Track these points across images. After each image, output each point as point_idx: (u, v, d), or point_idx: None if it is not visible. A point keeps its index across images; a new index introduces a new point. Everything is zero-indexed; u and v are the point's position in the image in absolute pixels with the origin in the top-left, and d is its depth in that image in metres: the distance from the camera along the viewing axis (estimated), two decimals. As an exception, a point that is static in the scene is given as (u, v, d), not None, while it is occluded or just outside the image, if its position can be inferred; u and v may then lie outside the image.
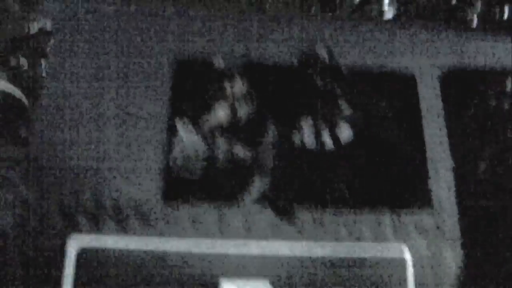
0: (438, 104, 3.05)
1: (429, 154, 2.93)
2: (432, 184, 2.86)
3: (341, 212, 2.80)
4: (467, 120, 3.60)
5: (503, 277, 3.06)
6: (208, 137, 3.04)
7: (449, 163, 2.90)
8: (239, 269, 2.69)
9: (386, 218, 2.78)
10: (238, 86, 3.09)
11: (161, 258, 2.65)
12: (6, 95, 3.54)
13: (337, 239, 2.74)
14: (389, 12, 8.57)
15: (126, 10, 3.00)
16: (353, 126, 2.95)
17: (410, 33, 3.17)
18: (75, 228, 2.65)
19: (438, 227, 2.77)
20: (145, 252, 2.66)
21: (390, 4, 8.59)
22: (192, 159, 2.97)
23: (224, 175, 3.02)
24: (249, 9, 6.51)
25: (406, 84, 3.15)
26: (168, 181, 2.83)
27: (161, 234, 2.70)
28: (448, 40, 3.19)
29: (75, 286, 2.58)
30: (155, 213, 2.72)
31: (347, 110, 2.93)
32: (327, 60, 2.93)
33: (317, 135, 2.96)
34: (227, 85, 3.06)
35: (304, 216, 2.78)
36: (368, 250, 2.74)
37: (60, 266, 2.58)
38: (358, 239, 2.74)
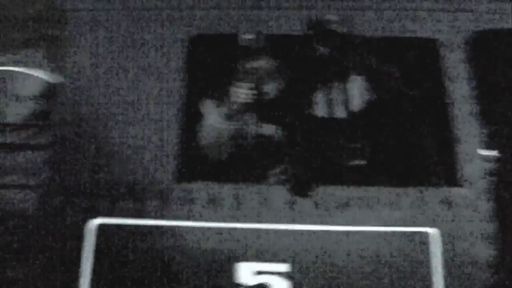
0: (464, 70, 2.83)
1: (455, 126, 2.73)
2: (460, 158, 2.66)
3: (364, 190, 2.62)
4: (496, 86, 3.36)
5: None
6: (234, 117, 2.89)
7: (477, 134, 2.70)
8: (256, 251, 2.56)
9: (412, 195, 2.60)
10: (264, 63, 2.91)
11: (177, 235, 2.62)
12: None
13: (359, 219, 2.58)
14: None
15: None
16: (370, 97, 2.75)
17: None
18: (95, 208, 2.67)
19: (467, 205, 2.59)
20: (160, 228, 2.63)
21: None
22: (219, 141, 2.86)
23: (252, 155, 2.89)
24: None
25: (429, 50, 2.94)
26: (184, 161, 2.78)
27: (176, 214, 2.65)
28: (474, 0, 2.96)
29: (94, 262, 2.60)
30: (171, 193, 2.68)
31: (361, 81, 2.72)
32: (337, 29, 2.74)
33: (332, 107, 2.77)
34: (253, 62, 2.88)
35: (325, 195, 2.62)
36: (391, 230, 2.57)
37: (79, 243, 2.62)
38: (383, 219, 2.57)
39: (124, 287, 2.58)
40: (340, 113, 2.76)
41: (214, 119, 2.87)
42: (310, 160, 2.74)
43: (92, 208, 2.68)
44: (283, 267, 2.54)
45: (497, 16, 2.96)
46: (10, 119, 4.18)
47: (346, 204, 2.61)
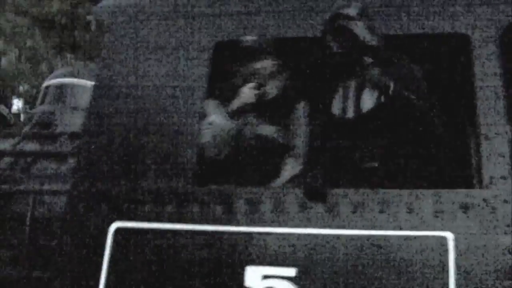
0: (495, 67, 2.65)
1: (482, 123, 2.55)
2: (485, 160, 2.48)
3: (378, 192, 2.51)
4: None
5: None
6: (236, 117, 2.91)
7: (505, 134, 2.51)
8: (266, 255, 2.52)
9: (428, 198, 2.45)
10: (267, 64, 2.94)
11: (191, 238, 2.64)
12: None
13: (373, 222, 2.47)
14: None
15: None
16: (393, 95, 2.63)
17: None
18: (117, 212, 2.74)
19: (490, 208, 2.40)
20: (175, 232, 2.67)
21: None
22: (221, 139, 2.86)
23: (254, 157, 2.87)
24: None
25: (459, 46, 2.79)
26: (201, 166, 2.81)
27: (194, 218, 2.67)
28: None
29: (113, 264, 2.67)
30: (189, 197, 2.69)
31: (380, 79, 2.62)
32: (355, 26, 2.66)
33: (346, 107, 2.70)
34: (256, 64, 2.92)
35: (338, 198, 2.54)
36: (407, 234, 2.43)
37: (102, 245, 2.69)
38: (396, 221, 2.44)
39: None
40: (353, 113, 2.67)
41: (217, 118, 2.87)
42: (323, 162, 2.67)
43: (115, 212, 2.75)
44: (292, 272, 2.47)
45: None
46: (67, 128, 4.39)
47: (359, 208, 2.50)
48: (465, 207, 2.41)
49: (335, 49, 2.66)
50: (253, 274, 2.51)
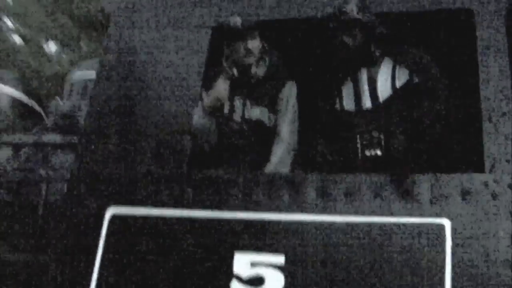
0: (501, 43, 2.49)
1: (485, 103, 2.40)
2: (486, 142, 2.32)
3: (371, 177, 2.38)
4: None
5: None
6: (211, 114, 2.85)
7: (510, 115, 2.35)
8: (255, 242, 2.41)
9: (425, 182, 2.31)
10: (255, 45, 2.84)
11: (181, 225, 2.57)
12: None
13: (366, 208, 2.34)
14: None
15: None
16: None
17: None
18: (112, 198, 2.69)
19: (489, 193, 2.25)
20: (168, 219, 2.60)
21: None
22: (200, 136, 2.82)
23: (244, 141, 2.81)
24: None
25: (462, 22, 2.62)
26: (194, 154, 2.73)
27: (187, 205, 2.58)
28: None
29: (108, 249, 2.62)
30: (181, 185, 2.62)
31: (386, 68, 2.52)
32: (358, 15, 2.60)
33: (367, 99, 2.67)
34: (243, 44, 2.81)
35: (331, 184, 2.41)
36: (400, 219, 2.30)
37: (98, 231, 2.64)
38: (391, 207, 2.31)
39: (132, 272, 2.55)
40: (370, 104, 2.65)
41: (195, 117, 2.78)
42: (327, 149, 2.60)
43: (110, 196, 2.70)
44: (281, 259, 2.36)
45: None
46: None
47: (352, 193, 2.38)
48: (464, 193, 2.27)
49: (351, 44, 2.64)
50: (241, 261, 2.41)
